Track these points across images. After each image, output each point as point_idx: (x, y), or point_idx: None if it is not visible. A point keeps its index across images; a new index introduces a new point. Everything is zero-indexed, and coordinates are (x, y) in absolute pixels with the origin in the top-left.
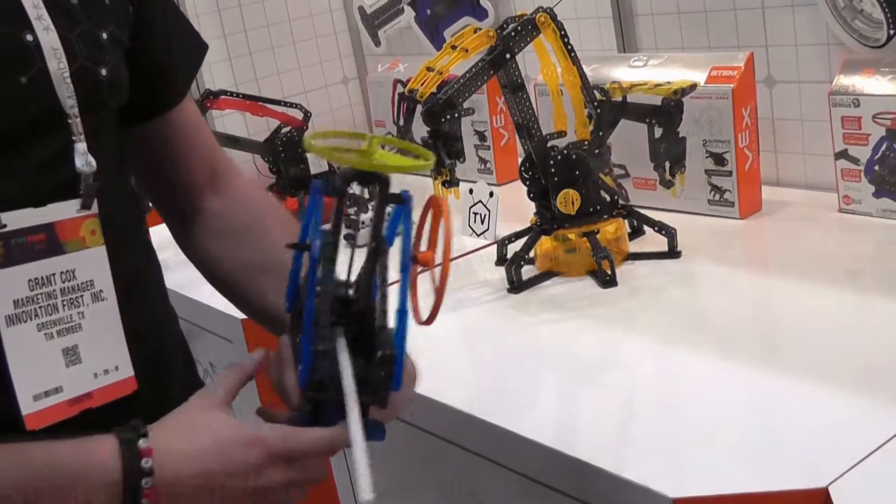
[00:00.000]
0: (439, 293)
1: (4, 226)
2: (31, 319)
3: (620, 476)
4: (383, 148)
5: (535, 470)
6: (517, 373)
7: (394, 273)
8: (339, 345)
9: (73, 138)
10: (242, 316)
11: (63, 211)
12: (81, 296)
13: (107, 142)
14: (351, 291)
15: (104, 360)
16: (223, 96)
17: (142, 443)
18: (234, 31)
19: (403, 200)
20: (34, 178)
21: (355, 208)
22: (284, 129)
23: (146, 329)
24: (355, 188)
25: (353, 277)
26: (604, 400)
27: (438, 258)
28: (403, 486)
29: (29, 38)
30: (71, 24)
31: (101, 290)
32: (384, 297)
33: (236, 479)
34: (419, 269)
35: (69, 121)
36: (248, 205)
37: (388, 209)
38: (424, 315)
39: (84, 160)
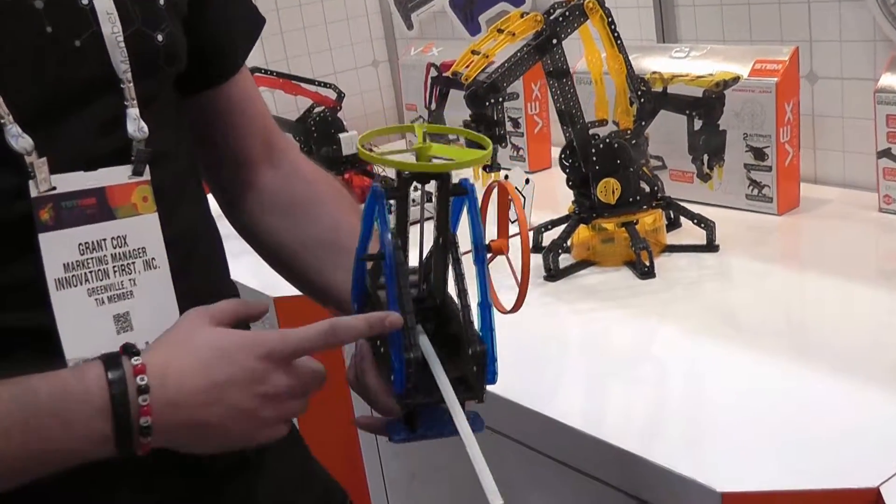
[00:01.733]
0: (524, 279)
1: (54, 188)
2: (81, 284)
3: (667, 468)
4: (433, 140)
5: (575, 458)
6: (553, 360)
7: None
8: (425, 345)
9: (126, 103)
10: (275, 294)
11: (114, 176)
12: (133, 262)
13: (163, 109)
14: (422, 288)
15: (156, 328)
16: (257, 73)
17: (135, 360)
18: (266, 9)
19: (466, 191)
20: (87, 142)
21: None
22: (317, 109)
23: (202, 300)
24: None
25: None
26: (641, 391)
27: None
28: (436, 470)
29: (84, 1)
30: None
31: (153, 258)
32: (463, 291)
33: (241, 387)
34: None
35: (122, 86)
36: (305, 180)
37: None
38: (507, 305)
39: (136, 126)
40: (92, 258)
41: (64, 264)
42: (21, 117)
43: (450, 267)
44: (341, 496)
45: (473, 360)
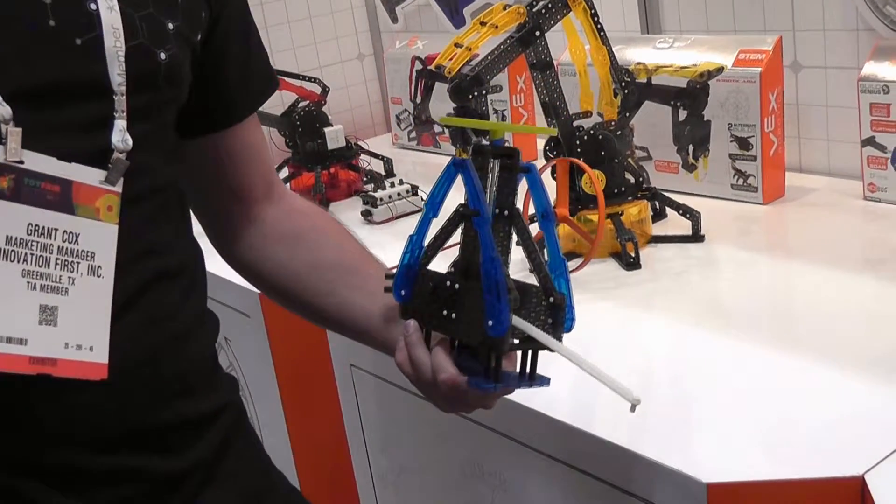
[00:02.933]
0: (599, 234)
1: (21, 162)
2: (18, 262)
3: (652, 459)
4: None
5: (560, 450)
6: (539, 352)
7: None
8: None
9: (115, 114)
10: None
11: (86, 175)
12: (78, 263)
13: (156, 131)
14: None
15: (80, 334)
16: None
17: None
18: (251, 3)
19: (529, 169)
20: (68, 138)
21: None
22: (302, 104)
23: (147, 326)
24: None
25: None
26: (629, 383)
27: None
28: (421, 463)
29: (92, 6)
30: (136, 7)
31: (99, 266)
32: (534, 250)
33: None
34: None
35: (114, 97)
36: (305, 213)
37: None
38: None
39: (121, 137)
40: (37, 242)
41: (7, 236)
42: (5, 92)
43: (513, 236)
44: None
45: (552, 308)
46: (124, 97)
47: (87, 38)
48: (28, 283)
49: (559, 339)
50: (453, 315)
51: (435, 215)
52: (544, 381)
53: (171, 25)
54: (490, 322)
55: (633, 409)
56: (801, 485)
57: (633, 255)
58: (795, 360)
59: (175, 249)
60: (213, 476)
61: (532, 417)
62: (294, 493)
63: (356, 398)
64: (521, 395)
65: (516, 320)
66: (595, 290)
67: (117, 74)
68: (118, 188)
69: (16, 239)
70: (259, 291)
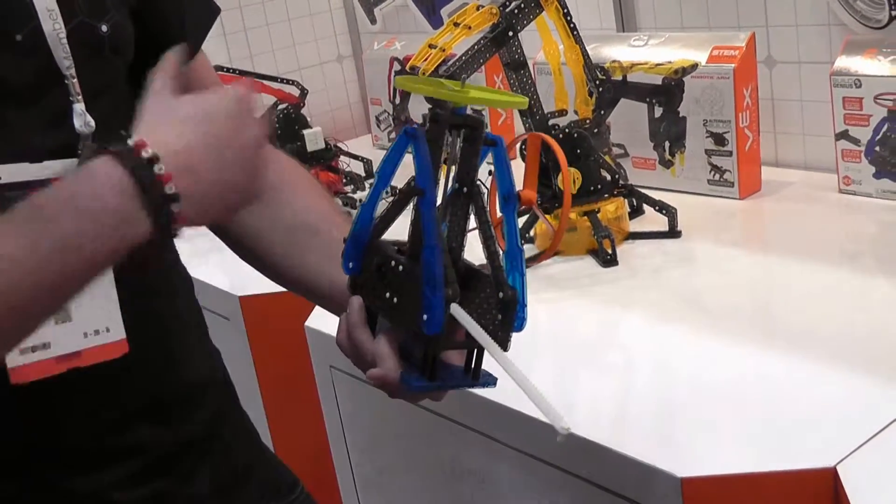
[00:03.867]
0: (563, 221)
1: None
2: None
3: (627, 455)
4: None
5: (539, 449)
6: (517, 350)
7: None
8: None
9: (71, 98)
10: (240, 293)
11: (60, 169)
12: None
13: (112, 101)
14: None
15: (95, 320)
16: (219, 72)
17: (129, 141)
18: (229, 6)
19: (495, 143)
20: (33, 136)
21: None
22: (280, 106)
23: (147, 291)
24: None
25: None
26: (605, 379)
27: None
28: (403, 464)
29: None
30: None
31: None
32: (491, 237)
33: (229, 130)
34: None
35: (66, 81)
36: (274, 167)
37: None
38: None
39: (83, 120)
40: None
41: None
42: None
43: (470, 216)
44: (292, 480)
45: (502, 305)
46: (76, 79)
47: (26, 30)
48: None
49: (507, 338)
50: (395, 299)
51: (384, 187)
52: (490, 381)
53: None
54: (424, 317)
55: (561, 438)
56: (775, 477)
57: (609, 251)
58: (772, 353)
59: None
60: (210, 448)
61: (511, 416)
62: (281, 464)
63: (336, 399)
64: (498, 395)
65: (457, 312)
66: (572, 287)
67: (63, 58)
68: None
69: None
70: (239, 295)
